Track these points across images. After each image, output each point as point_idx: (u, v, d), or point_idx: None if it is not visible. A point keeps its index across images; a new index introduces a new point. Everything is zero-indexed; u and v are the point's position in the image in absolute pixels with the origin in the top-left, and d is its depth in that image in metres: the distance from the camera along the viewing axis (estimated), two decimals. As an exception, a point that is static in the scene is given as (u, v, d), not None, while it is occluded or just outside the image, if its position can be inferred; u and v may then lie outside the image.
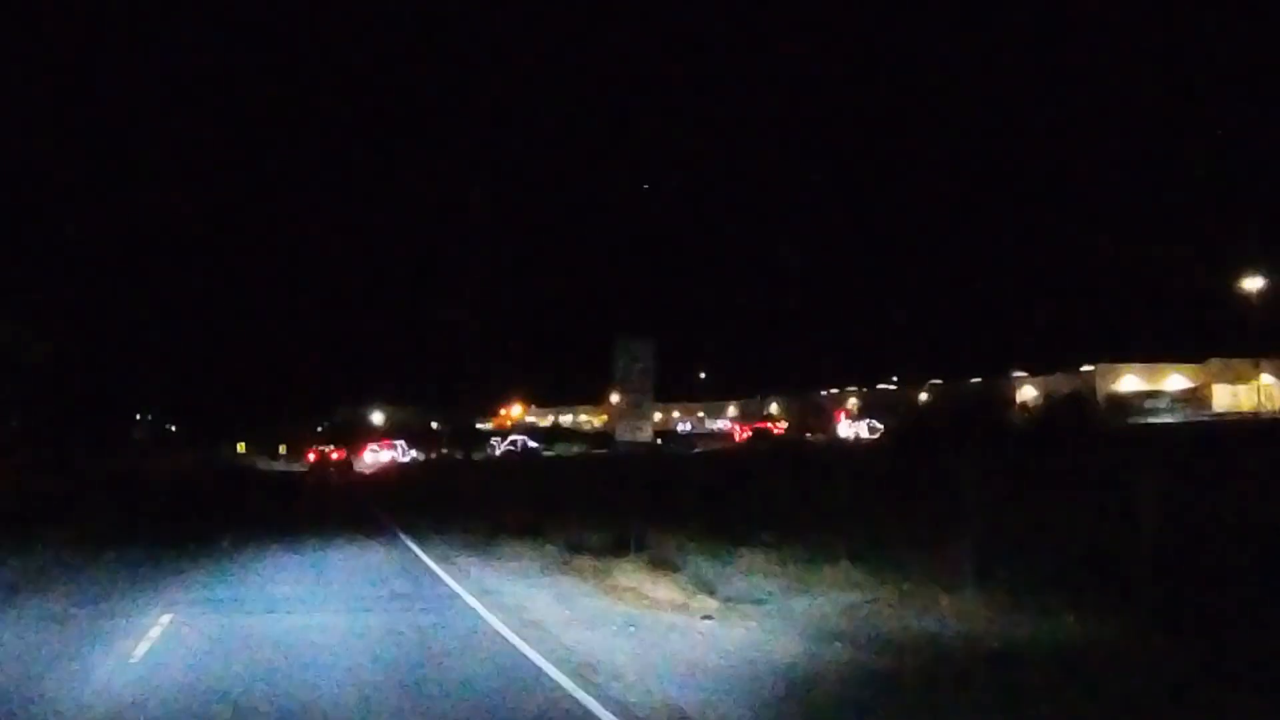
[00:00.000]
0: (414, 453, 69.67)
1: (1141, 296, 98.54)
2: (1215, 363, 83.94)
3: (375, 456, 68.98)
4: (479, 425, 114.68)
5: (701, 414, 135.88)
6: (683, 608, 12.22)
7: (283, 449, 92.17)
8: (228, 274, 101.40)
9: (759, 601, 12.35)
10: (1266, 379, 78.52)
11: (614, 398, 16.46)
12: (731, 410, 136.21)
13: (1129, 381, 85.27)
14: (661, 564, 14.73)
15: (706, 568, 14.82)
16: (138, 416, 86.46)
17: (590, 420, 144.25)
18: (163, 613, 12.31)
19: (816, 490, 22.30)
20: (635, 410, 15.86)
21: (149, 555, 18.16)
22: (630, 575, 14.17)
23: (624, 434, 16.11)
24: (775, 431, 67.83)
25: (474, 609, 12.68)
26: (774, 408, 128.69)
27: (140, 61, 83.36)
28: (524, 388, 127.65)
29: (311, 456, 65.96)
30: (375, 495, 35.63)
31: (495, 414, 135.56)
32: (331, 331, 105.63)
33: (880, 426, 62.60)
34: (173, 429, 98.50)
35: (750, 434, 66.51)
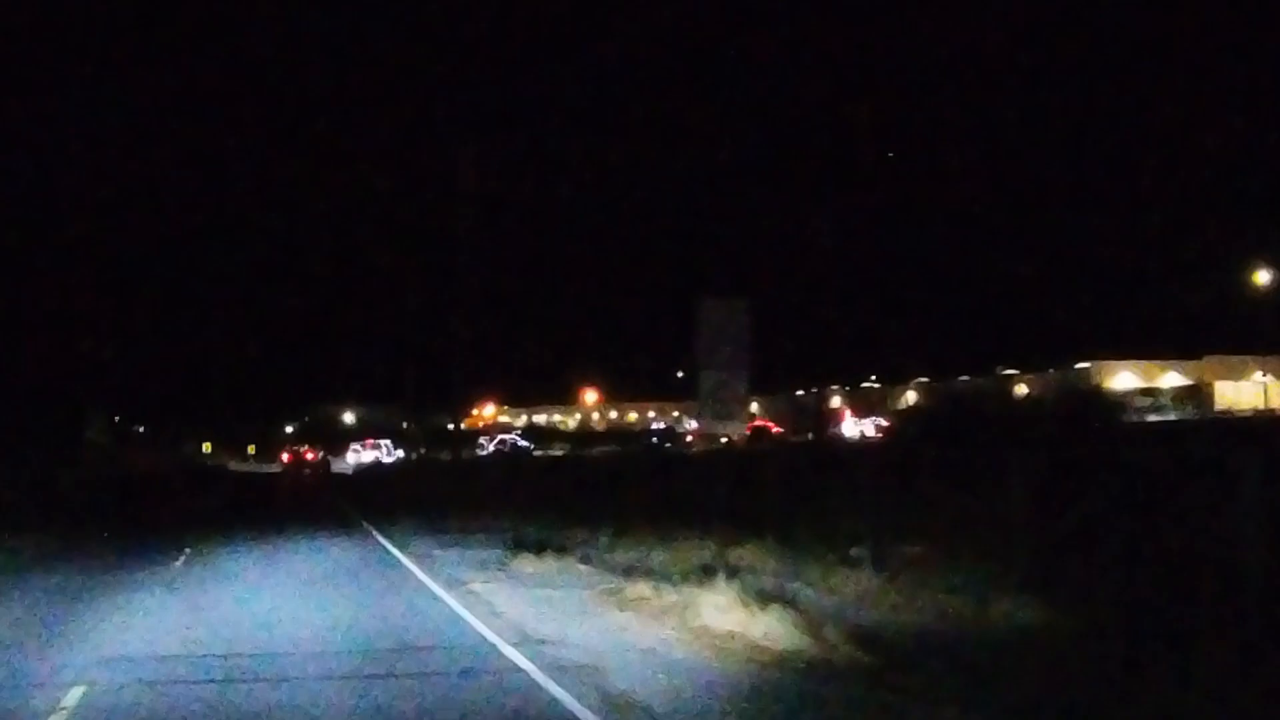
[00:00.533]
0: (400, 453, 65.84)
1: (1131, 292, 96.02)
2: (1212, 360, 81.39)
3: (358, 457, 65.15)
4: (450, 426, 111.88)
5: (677, 413, 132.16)
6: (837, 674, 8.43)
7: (252, 449, 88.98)
8: (194, 271, 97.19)
9: (933, 652, 8.69)
10: (1262, 376, 75.33)
11: (697, 376, 12.45)
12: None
13: (1126, 379, 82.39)
14: (760, 593, 10.80)
15: (817, 600, 11.15)
16: (115, 418, 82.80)
17: (564, 420, 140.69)
18: (74, 684, 8.39)
19: (881, 493, 18.51)
20: (722, 391, 12.08)
21: (72, 586, 14.16)
22: (725, 612, 10.25)
23: (709, 421, 12.39)
24: (773, 431, 63.34)
25: (525, 671, 8.83)
26: (754, 406, 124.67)
27: (98, 58, 78.85)
28: (495, 388, 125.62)
29: (285, 457, 62.19)
30: (360, 501, 31.51)
31: (467, 414, 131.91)
32: (301, 330, 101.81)
33: (886, 424, 59.35)
34: (140, 430, 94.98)
35: (749, 433, 62.64)
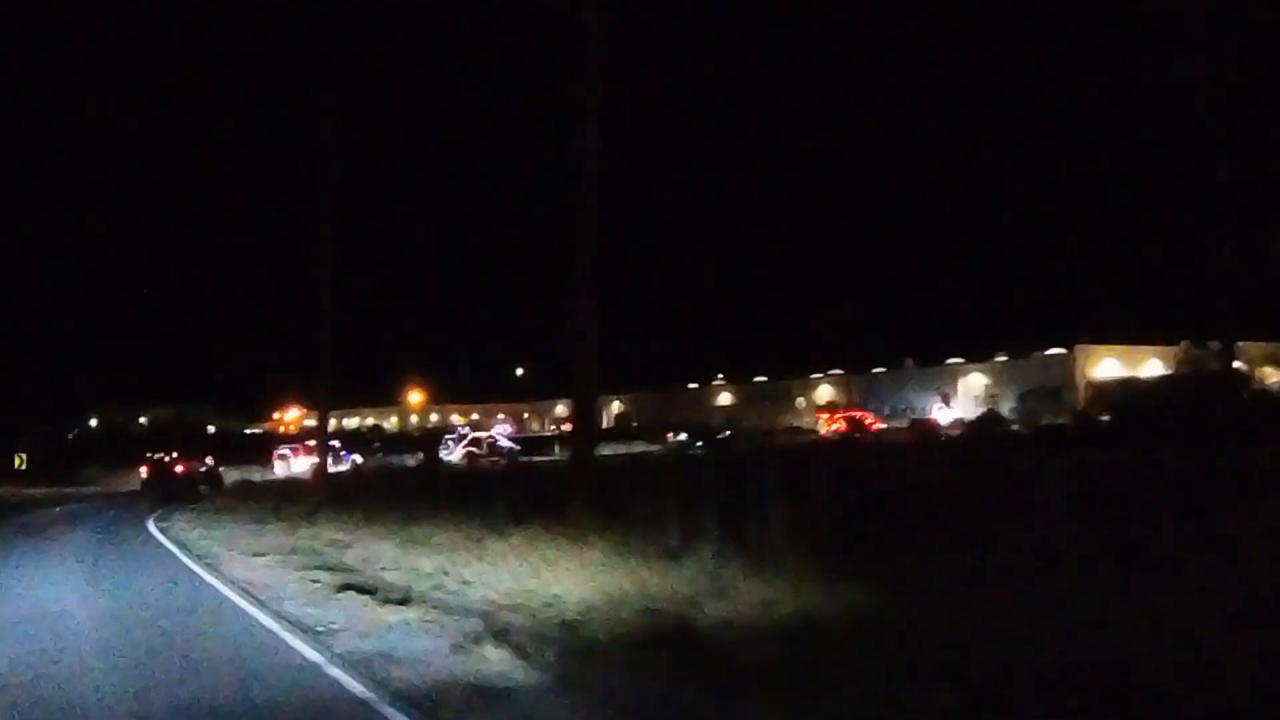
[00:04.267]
0: (356, 458, 52.25)
1: (1095, 276, 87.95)
2: (1191, 345, 71.63)
3: (287, 466, 50.56)
4: (250, 430, 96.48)
5: (502, 415, 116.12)
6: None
7: (20, 460, 70.05)
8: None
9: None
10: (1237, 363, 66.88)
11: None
12: (560, 409, 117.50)
13: (1109, 365, 71.41)
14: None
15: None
16: None
17: (380, 424, 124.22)
18: None
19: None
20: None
21: None
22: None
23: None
24: (868, 423, 56.00)
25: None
26: (616, 405, 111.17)
27: None
28: (297, 388, 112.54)
29: (144, 470, 45.68)
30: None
31: (269, 417, 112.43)
32: (71, 321, 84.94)
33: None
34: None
35: (845, 426, 53.98)
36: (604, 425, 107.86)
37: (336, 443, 50.68)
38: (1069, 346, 70.86)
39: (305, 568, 12.40)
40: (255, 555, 13.90)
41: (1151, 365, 71.57)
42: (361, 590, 10.67)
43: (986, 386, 74.53)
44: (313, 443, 50.41)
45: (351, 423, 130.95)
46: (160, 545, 17.85)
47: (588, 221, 14.95)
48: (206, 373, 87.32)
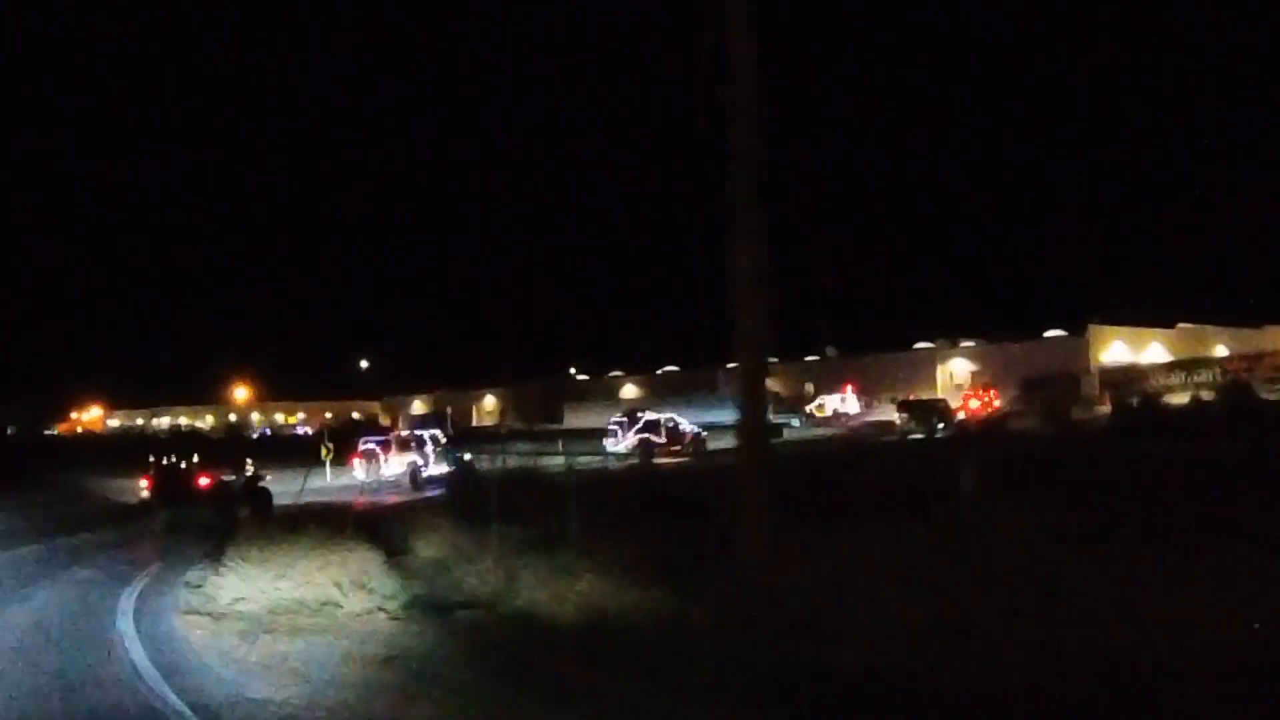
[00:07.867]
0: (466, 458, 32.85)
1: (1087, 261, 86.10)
2: (1184, 328, 66.58)
3: (375, 469, 34.86)
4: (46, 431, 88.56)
5: (329, 414, 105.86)
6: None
7: None
8: None
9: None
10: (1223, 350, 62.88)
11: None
12: (417, 405, 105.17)
13: (1119, 349, 63.80)
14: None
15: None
16: None
17: (192, 423, 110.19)
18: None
19: None
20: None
21: None
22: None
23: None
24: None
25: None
26: (489, 400, 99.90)
27: None
28: (95, 387, 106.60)
29: (145, 482, 27.84)
30: None
31: (65, 417, 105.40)
32: None
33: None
34: None
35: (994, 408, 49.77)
36: (474, 423, 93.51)
37: (438, 433, 36.70)
38: (1079, 328, 62.29)
39: None
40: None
41: (1153, 349, 64.54)
42: None
43: (974, 373, 65.16)
44: (405, 433, 38.20)
45: (162, 422, 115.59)
46: None
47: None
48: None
